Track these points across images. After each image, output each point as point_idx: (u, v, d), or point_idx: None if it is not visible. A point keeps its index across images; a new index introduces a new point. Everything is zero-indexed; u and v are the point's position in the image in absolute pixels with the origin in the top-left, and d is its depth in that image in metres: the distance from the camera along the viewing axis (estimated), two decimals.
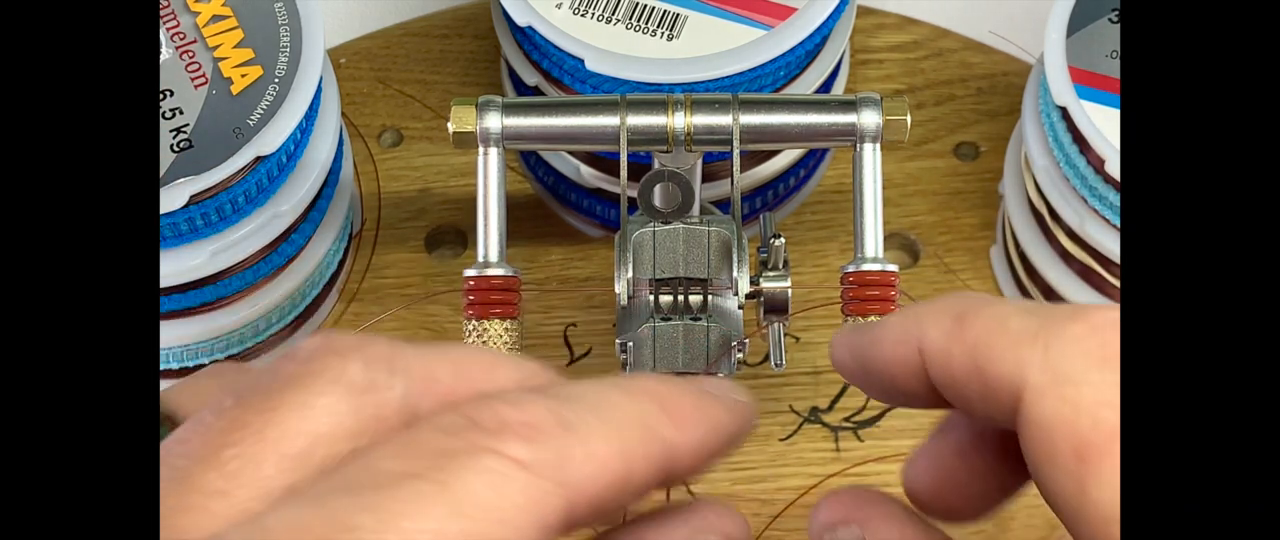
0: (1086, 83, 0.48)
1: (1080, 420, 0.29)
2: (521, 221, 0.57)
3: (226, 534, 0.25)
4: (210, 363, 0.52)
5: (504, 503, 0.25)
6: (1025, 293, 0.55)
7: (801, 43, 0.49)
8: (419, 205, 0.58)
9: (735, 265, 0.42)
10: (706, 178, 0.52)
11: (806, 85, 0.52)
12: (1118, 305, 0.32)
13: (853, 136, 0.42)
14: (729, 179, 0.43)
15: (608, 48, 0.49)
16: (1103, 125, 0.47)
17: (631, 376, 0.29)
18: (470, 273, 0.42)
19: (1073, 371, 0.30)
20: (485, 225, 0.42)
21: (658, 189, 0.42)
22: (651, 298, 0.43)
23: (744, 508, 0.51)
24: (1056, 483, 0.29)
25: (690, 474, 0.29)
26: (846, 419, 0.54)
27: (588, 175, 0.54)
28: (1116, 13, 0.49)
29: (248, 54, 0.47)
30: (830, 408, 0.54)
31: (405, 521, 0.24)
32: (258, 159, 0.46)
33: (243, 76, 0.47)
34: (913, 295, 0.55)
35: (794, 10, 0.49)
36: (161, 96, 0.46)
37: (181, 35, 0.47)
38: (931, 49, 0.61)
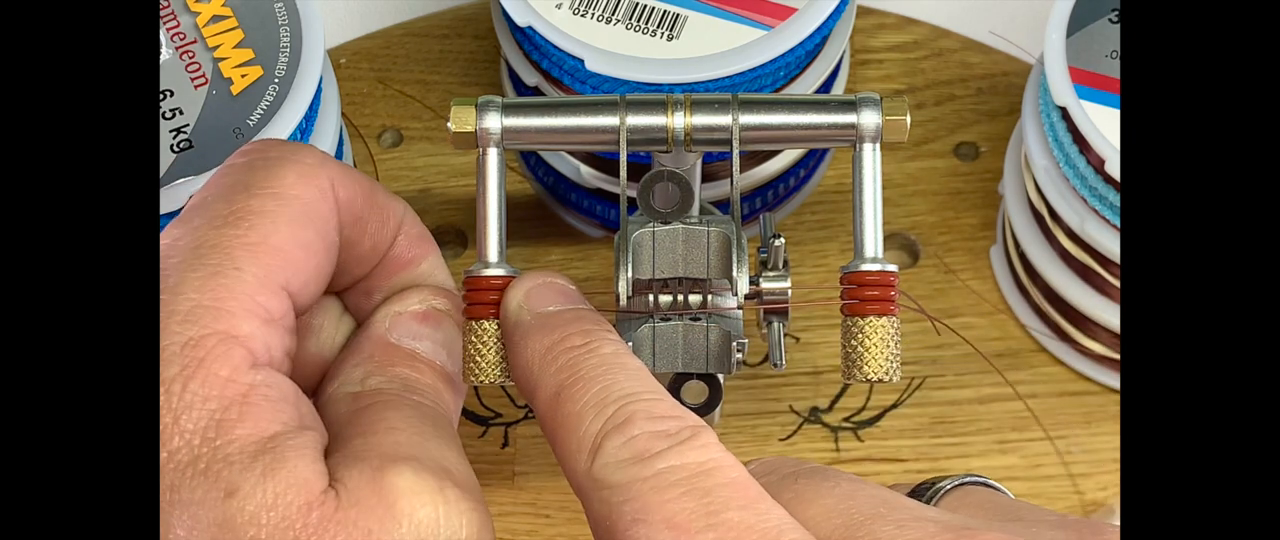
0: (1086, 83, 0.48)
1: None
2: (521, 221, 0.57)
3: None
4: None
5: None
6: (1025, 293, 0.55)
7: (801, 43, 0.49)
8: (419, 205, 0.58)
9: (735, 265, 0.42)
10: (706, 178, 0.52)
11: (806, 85, 0.52)
12: None
13: (853, 136, 0.42)
14: (729, 179, 0.43)
15: (608, 48, 0.49)
16: (1103, 125, 0.47)
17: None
18: (470, 272, 0.42)
19: None
20: (485, 225, 0.42)
21: (657, 189, 0.42)
22: (651, 297, 0.43)
23: None
24: None
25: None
26: (846, 419, 0.54)
27: (588, 175, 0.54)
28: (1116, 13, 0.49)
29: (248, 54, 0.47)
30: (830, 408, 0.54)
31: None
32: None
33: (243, 76, 0.47)
34: (913, 295, 0.55)
35: (794, 10, 0.49)
36: (161, 97, 0.46)
37: (181, 35, 0.47)
38: (931, 49, 0.61)
